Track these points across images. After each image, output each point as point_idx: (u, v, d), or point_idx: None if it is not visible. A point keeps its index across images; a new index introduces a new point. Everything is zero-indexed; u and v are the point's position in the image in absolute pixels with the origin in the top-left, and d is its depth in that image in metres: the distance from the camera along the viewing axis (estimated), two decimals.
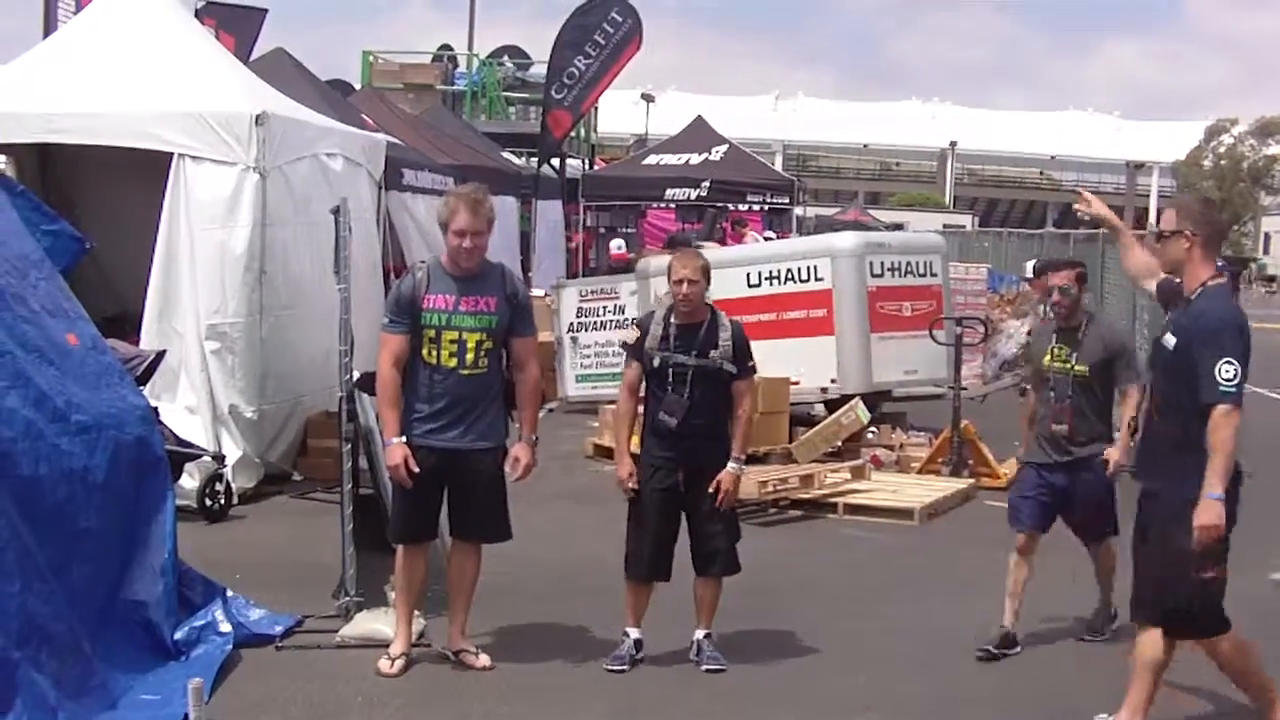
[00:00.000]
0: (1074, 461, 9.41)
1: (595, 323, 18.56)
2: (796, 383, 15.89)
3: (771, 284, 16.55)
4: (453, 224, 8.30)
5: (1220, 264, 7.48)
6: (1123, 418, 9.31)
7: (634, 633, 8.82)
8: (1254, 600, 10.75)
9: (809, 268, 16.37)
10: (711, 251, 18.21)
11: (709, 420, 8.66)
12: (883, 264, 16.52)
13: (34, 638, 7.09)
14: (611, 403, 17.80)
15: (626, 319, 17.69)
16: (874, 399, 16.45)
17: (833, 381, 16.12)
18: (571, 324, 18.64)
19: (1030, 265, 19.24)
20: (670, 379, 8.67)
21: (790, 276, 16.35)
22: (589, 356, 18.48)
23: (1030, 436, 9.79)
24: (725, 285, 15.90)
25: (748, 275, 16.52)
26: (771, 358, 15.74)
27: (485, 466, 8.46)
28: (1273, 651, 8.02)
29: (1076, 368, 9.41)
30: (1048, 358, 9.58)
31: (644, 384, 8.90)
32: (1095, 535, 9.68)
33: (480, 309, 8.36)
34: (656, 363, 8.70)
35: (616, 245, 25.53)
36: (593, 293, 18.84)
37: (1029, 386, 10.50)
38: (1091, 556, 9.76)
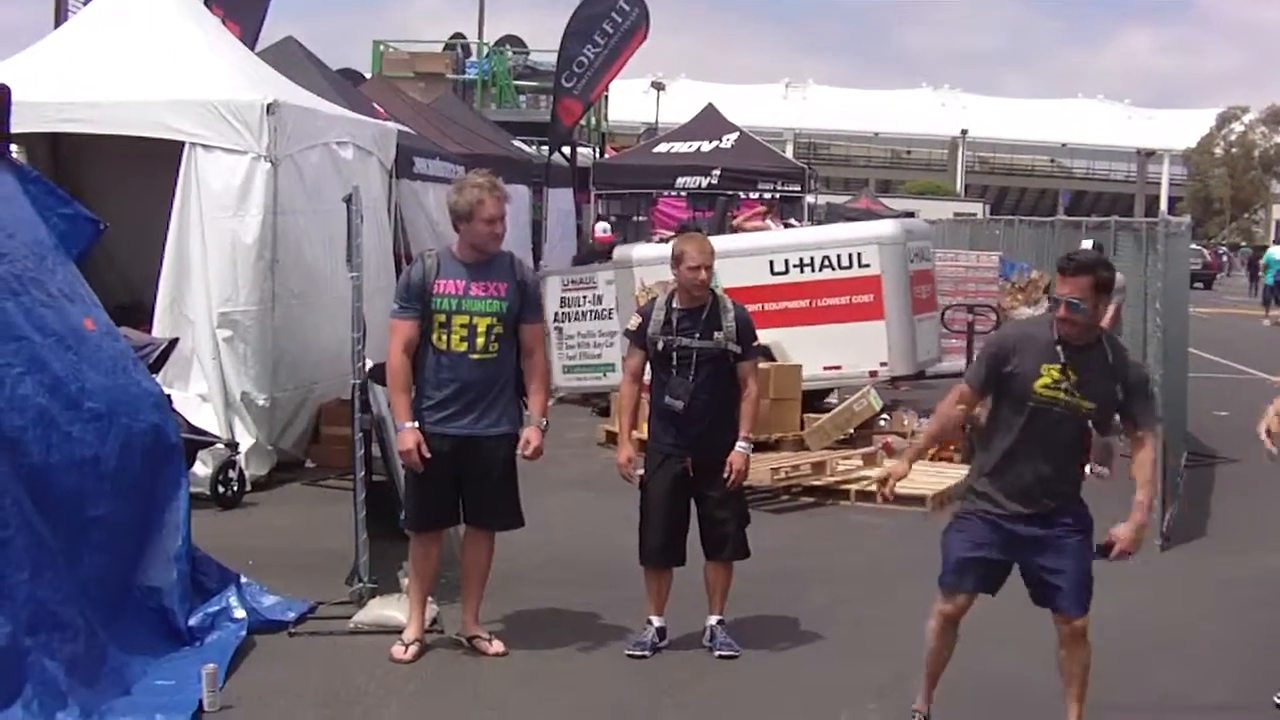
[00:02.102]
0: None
1: (576, 313, 18.34)
2: (838, 368, 16.22)
3: (803, 271, 16.66)
4: (480, 213, 8.35)
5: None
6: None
7: (657, 620, 8.84)
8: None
9: (852, 255, 16.56)
10: (732, 239, 18.29)
11: (715, 402, 8.68)
12: (911, 250, 17.00)
13: (45, 625, 7.11)
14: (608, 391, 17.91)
15: (605, 309, 17.85)
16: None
17: (883, 364, 16.40)
18: (556, 314, 18.62)
19: (1086, 245, 19.07)
20: (675, 362, 8.70)
21: (827, 263, 16.48)
22: (573, 347, 18.36)
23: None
24: (746, 273, 16.04)
25: (771, 263, 16.59)
26: (805, 344, 15.91)
27: (498, 453, 8.48)
28: None
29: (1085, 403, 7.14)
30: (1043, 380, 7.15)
31: (648, 370, 8.92)
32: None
33: (491, 294, 8.39)
34: (660, 346, 8.73)
35: (602, 228, 24.70)
36: (573, 283, 18.60)
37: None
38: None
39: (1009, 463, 7.25)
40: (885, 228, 17.72)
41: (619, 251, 18.91)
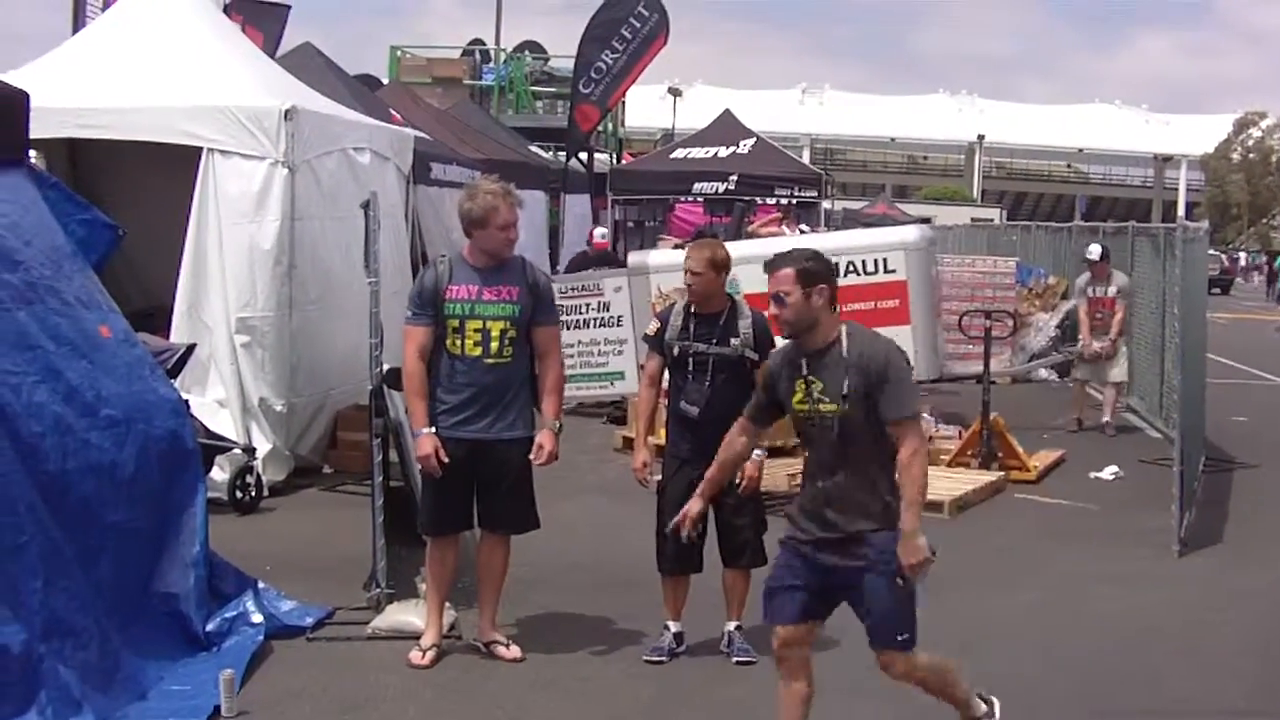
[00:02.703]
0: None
1: (577, 320, 17.45)
2: None
3: None
4: (495, 220, 8.37)
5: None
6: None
7: (674, 626, 8.85)
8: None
9: (878, 260, 16.45)
10: (756, 245, 18.29)
11: (730, 409, 8.63)
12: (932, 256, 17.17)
13: (59, 632, 7.12)
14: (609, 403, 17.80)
15: (613, 316, 17.42)
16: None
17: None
18: None
19: (1093, 248, 19.05)
20: (691, 368, 8.72)
21: (852, 269, 16.45)
22: (572, 356, 17.15)
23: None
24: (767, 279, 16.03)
25: None
26: None
27: (513, 457, 8.49)
28: None
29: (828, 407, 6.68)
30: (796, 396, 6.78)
31: (666, 375, 8.93)
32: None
33: (504, 298, 8.41)
34: (676, 352, 8.75)
35: (601, 234, 24.34)
36: (573, 289, 17.86)
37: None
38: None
39: (805, 485, 6.92)
40: (911, 233, 17.63)
41: (634, 258, 18.77)
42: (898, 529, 6.65)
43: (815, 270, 6.76)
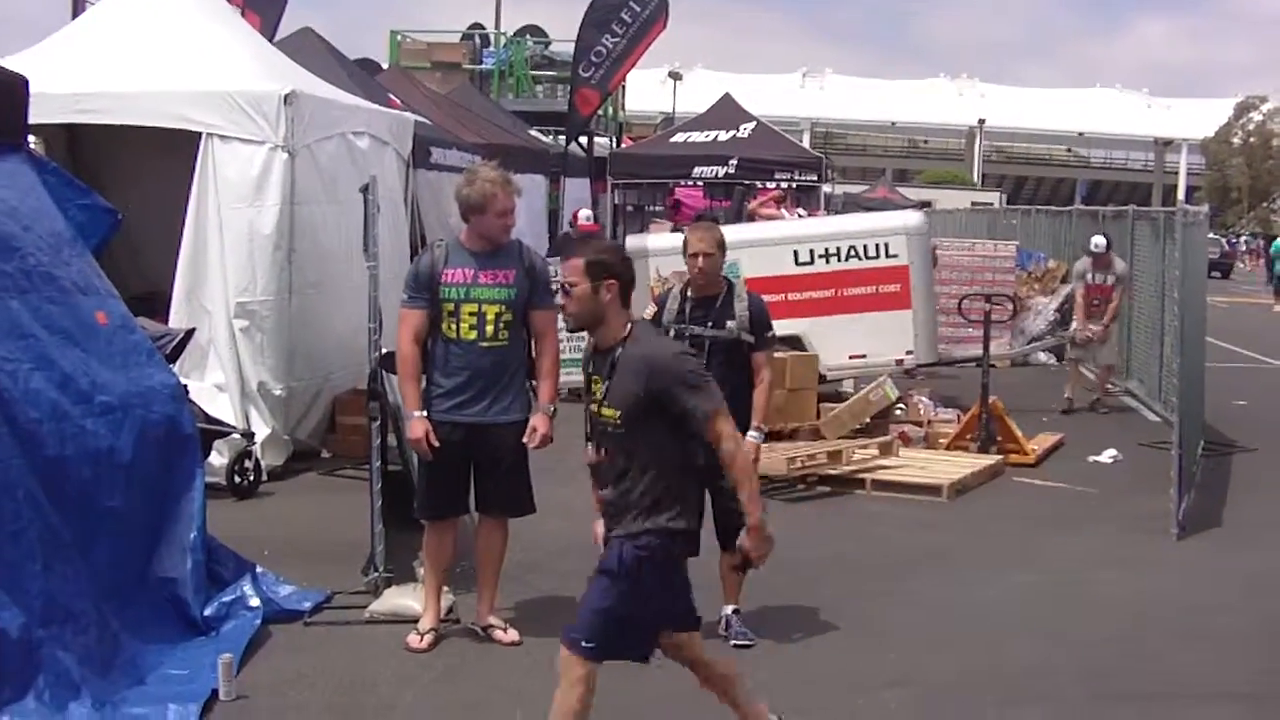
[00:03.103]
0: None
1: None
2: (863, 356, 16.36)
3: (829, 261, 16.76)
4: (493, 206, 8.38)
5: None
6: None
7: None
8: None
9: (880, 245, 16.71)
10: (756, 229, 18.29)
11: (729, 392, 8.61)
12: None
13: (57, 617, 7.14)
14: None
15: None
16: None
17: (909, 353, 16.59)
18: None
19: (1098, 240, 19.02)
20: None
21: (853, 253, 16.57)
22: (561, 340, 17.15)
23: None
24: (770, 263, 16.13)
25: (795, 253, 16.64)
26: (830, 333, 15.97)
27: (509, 441, 8.48)
28: None
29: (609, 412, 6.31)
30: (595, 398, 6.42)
31: None
32: None
33: (499, 281, 8.42)
34: (673, 335, 8.71)
35: (585, 216, 24.26)
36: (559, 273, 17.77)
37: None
38: None
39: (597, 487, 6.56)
40: (912, 218, 17.88)
41: (632, 241, 18.82)
42: (647, 539, 6.24)
43: (607, 263, 6.33)
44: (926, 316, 16.80)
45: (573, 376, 16.89)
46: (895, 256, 16.61)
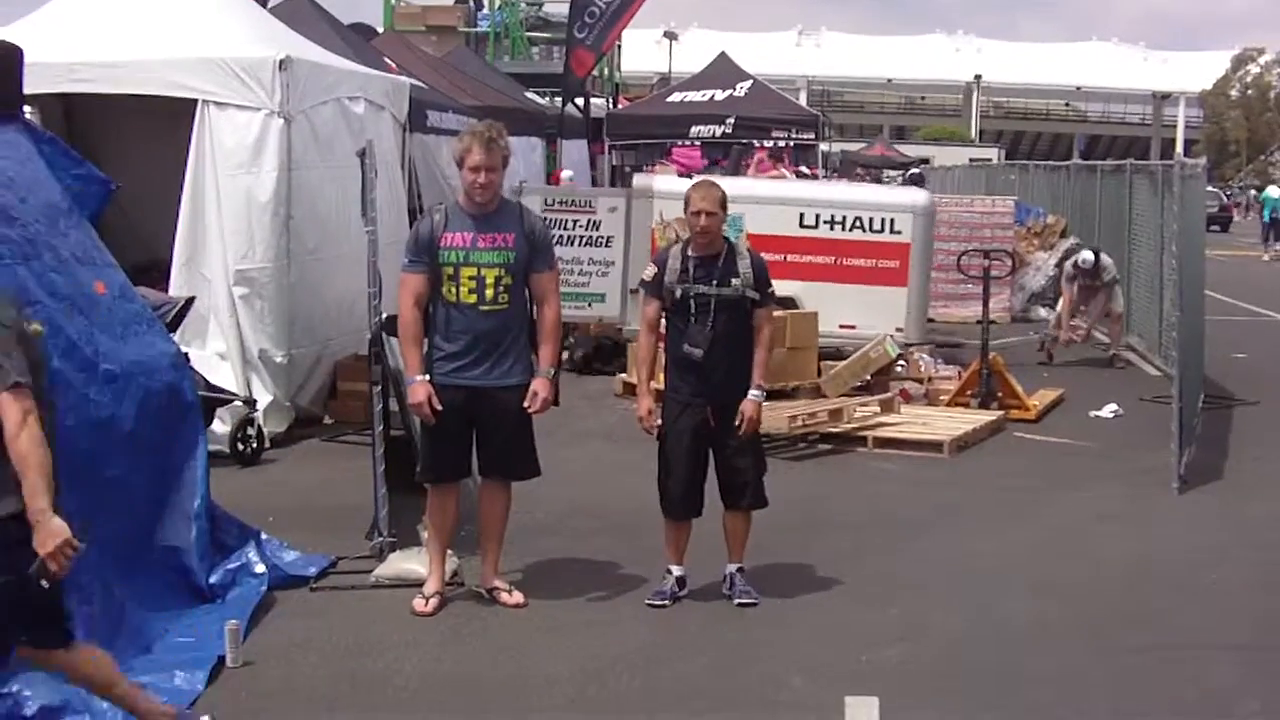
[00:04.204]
0: None
1: (563, 236, 16.80)
2: (853, 327, 16.34)
3: (833, 229, 16.85)
4: (467, 160, 8.37)
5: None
6: None
7: (676, 569, 8.85)
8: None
9: (885, 219, 16.83)
10: (765, 186, 18.31)
11: (733, 349, 8.66)
12: None
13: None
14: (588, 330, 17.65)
15: (603, 237, 17.15)
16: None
17: (899, 330, 16.55)
18: None
19: (1086, 257, 19.00)
20: (692, 310, 8.65)
21: (859, 225, 16.67)
22: None
23: None
24: (774, 222, 16.18)
25: (801, 215, 16.68)
26: (824, 300, 16.03)
27: (511, 404, 8.47)
28: None
29: None
30: None
31: (663, 320, 8.89)
32: None
33: (498, 244, 8.40)
34: (678, 294, 8.67)
35: (567, 175, 24.14)
36: (561, 203, 17.48)
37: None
38: None
39: None
40: (921, 197, 18.07)
41: (639, 180, 18.78)
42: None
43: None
44: (920, 297, 16.96)
45: (567, 311, 17.01)
46: (899, 233, 16.73)
